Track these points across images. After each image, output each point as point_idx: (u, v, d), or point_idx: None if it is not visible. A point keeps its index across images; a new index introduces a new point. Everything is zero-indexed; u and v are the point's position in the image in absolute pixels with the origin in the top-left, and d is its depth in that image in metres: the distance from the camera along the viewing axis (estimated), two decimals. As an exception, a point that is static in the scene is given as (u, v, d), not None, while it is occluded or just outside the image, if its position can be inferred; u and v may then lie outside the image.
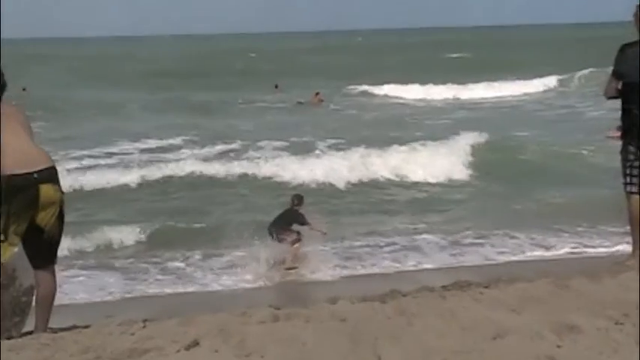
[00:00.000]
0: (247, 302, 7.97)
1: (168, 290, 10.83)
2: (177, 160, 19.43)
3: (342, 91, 41.59)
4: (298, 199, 12.58)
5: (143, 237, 13.44)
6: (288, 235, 12.08)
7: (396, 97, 40.04)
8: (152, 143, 23.44)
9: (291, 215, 12.30)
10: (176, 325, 5.16)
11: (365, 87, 42.78)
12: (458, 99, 39.14)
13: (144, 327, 5.24)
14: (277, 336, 4.69)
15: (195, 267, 11.87)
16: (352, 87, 43.00)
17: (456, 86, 41.66)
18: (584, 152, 19.67)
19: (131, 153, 21.97)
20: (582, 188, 16.12)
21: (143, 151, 22.31)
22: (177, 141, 23.66)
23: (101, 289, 10.89)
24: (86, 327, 6.12)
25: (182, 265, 11.99)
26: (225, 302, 9.30)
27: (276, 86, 41.12)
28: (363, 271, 11.49)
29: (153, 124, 27.85)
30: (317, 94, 35.86)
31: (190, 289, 10.91)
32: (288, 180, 17.91)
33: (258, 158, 19.68)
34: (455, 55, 73.76)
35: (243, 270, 11.53)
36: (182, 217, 14.68)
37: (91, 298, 10.45)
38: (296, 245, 12.05)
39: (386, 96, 40.65)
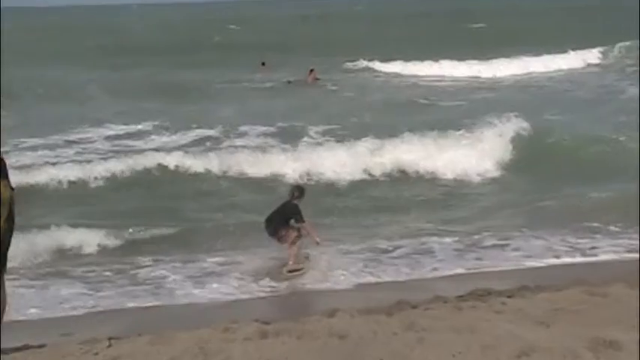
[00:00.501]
0: (231, 316, 7.97)
1: (138, 303, 10.82)
2: (147, 151, 19.38)
3: (341, 69, 41.50)
4: (299, 190, 12.52)
5: (108, 241, 13.42)
6: (286, 232, 12.09)
7: (405, 76, 39.94)
8: (117, 130, 23.39)
9: (290, 209, 12.25)
10: (148, 344, 5.18)
11: (367, 63, 42.71)
12: (478, 77, 39.07)
13: (109, 346, 5.26)
14: (265, 355, 4.71)
15: (169, 275, 11.87)
16: (352, 64, 42.89)
17: (475, 62, 41.56)
18: (623, 139, 19.66)
19: (93, 141, 21.95)
20: (621, 181, 16.14)
21: (107, 139, 22.26)
22: (146, 127, 23.60)
23: (59, 303, 10.87)
24: (41, 347, 6.14)
25: (154, 273, 11.98)
26: (206, 316, 9.32)
27: (263, 64, 41.03)
28: (365, 279, 11.49)
29: (118, 108, 27.78)
30: (311, 71, 35.84)
31: (164, 301, 10.90)
32: (277, 174, 17.88)
33: (243, 148, 19.64)
34: (474, 26, 73.84)
35: (226, 278, 11.53)
36: (153, 218, 14.67)
37: (47, 313, 10.43)
38: (295, 245, 12.06)
39: (392, 74, 40.53)
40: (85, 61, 45.42)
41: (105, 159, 18.60)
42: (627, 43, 43.34)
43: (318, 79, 35.60)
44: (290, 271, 11.73)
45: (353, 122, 23.17)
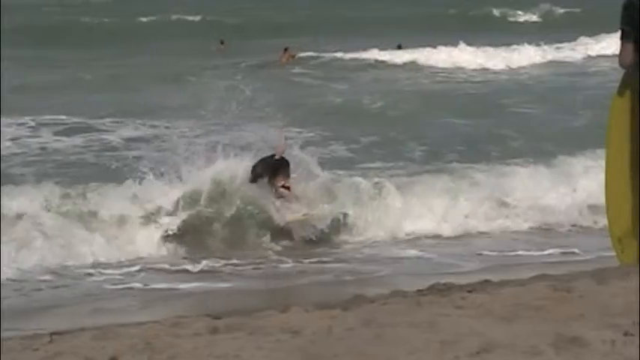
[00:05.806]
0: (180, 309, 7.95)
1: (81, 298, 10.70)
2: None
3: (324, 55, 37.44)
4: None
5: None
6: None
7: (387, 64, 35.92)
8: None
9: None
10: (91, 339, 5.15)
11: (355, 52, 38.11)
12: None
13: (50, 342, 5.22)
14: (215, 351, 4.71)
15: (115, 268, 11.78)
16: (333, 52, 38.15)
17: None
18: None
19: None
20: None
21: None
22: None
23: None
24: (-23, 342, 6.06)
25: (99, 266, 11.87)
26: (152, 309, 9.28)
27: (222, 42, 38.41)
28: (320, 270, 11.51)
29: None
30: (286, 50, 33.08)
31: (109, 295, 10.79)
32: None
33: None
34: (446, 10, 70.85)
35: (174, 271, 11.50)
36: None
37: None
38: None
39: (378, 62, 36.36)
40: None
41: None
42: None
43: (293, 56, 32.35)
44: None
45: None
